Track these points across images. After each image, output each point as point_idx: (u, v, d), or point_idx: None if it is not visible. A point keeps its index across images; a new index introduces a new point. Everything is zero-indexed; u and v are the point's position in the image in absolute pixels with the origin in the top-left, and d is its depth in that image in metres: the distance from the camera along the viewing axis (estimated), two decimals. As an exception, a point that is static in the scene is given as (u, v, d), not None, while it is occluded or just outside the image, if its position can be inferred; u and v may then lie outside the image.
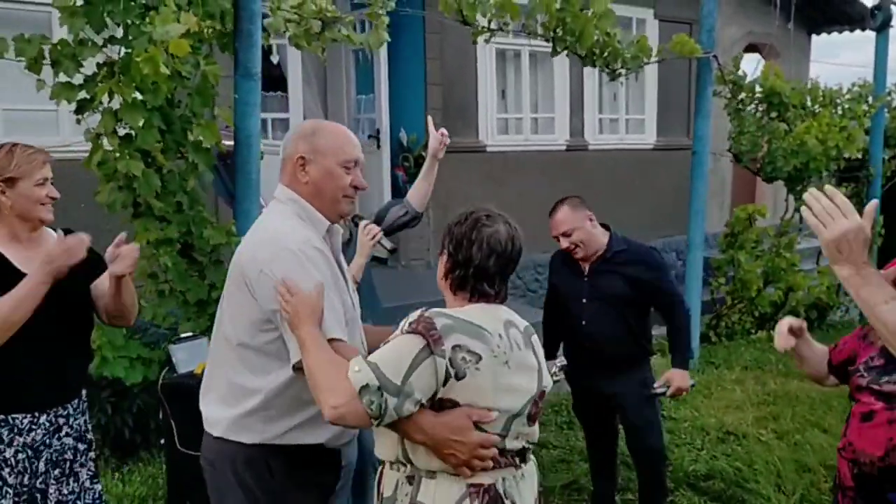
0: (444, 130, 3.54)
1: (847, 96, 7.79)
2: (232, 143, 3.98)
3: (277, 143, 6.64)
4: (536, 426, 1.97)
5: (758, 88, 6.89)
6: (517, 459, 1.92)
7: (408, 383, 1.74)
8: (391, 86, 7.32)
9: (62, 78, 3.46)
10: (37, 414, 2.42)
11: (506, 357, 1.83)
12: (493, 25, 4.91)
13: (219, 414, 2.14)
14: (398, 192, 7.53)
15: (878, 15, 8.13)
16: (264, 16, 4.21)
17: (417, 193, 3.56)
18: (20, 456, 2.40)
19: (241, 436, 2.09)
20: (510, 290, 2.01)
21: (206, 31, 3.68)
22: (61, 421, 2.49)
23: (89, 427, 2.63)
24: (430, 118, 3.77)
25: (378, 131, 7.38)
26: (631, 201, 9.03)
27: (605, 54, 5.47)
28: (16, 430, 2.39)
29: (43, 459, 2.45)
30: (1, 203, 2.39)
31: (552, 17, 5.07)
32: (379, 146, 7.40)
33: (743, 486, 4.27)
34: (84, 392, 2.62)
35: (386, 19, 4.53)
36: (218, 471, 2.15)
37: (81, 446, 2.57)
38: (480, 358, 1.78)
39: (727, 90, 6.68)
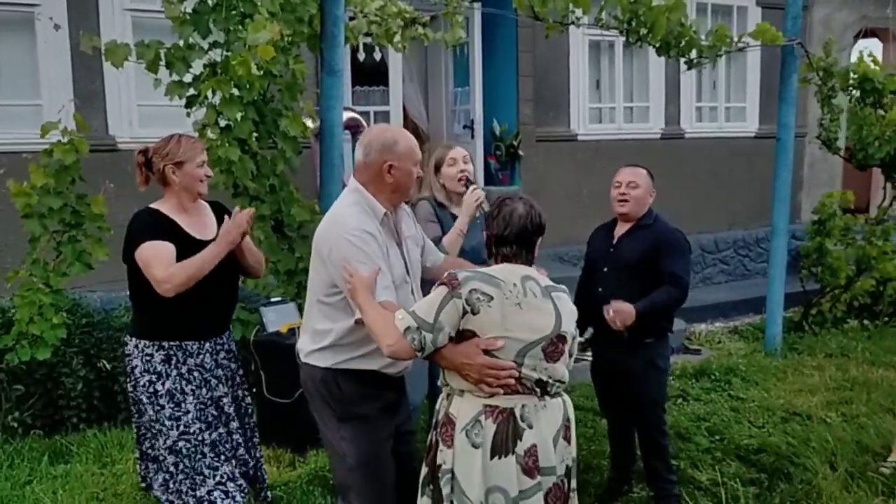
0: (479, 193, 3.61)
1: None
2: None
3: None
4: (561, 366, 2.47)
5: (852, 75, 6.78)
6: (538, 390, 2.42)
7: (438, 321, 2.35)
8: (485, 78, 7.73)
9: (175, 77, 4.09)
10: (202, 341, 3.21)
11: (517, 300, 2.37)
12: (565, 20, 5.21)
13: (305, 346, 2.83)
14: (490, 179, 7.95)
15: None
16: (351, 18, 4.74)
17: (451, 244, 3.57)
18: (194, 374, 3.19)
19: (319, 361, 2.76)
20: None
21: (294, 34, 4.23)
22: (219, 347, 3.30)
23: (237, 354, 3.46)
24: (472, 189, 3.64)
25: (472, 122, 7.80)
26: (731, 190, 9.03)
27: (681, 44, 5.64)
28: (187, 353, 3.17)
29: (217, 375, 3.26)
30: (172, 181, 3.14)
31: (625, 10, 5.31)
32: (473, 136, 7.83)
33: (793, 461, 4.41)
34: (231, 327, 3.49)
35: (460, 18, 4.93)
36: (307, 386, 2.85)
37: (234, 365, 3.40)
38: (492, 298, 2.35)
39: (817, 77, 6.62)
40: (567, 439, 2.52)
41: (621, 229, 3.78)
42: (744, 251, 9.24)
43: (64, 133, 3.91)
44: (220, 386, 3.28)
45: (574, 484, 2.58)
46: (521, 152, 7.77)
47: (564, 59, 7.94)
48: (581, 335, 3.81)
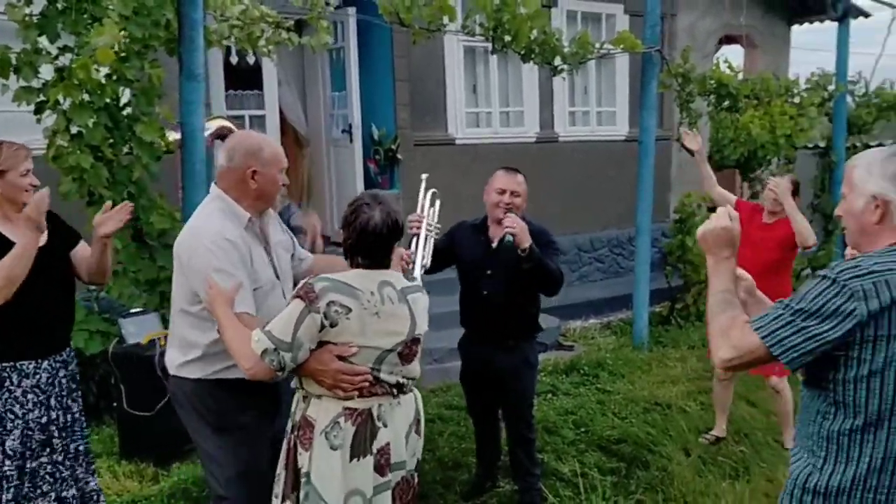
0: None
1: (805, 86, 8.07)
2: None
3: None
4: (415, 366, 2.55)
5: (709, 81, 7.19)
6: (394, 390, 2.49)
7: (297, 338, 2.34)
8: (362, 83, 7.74)
9: (23, 83, 3.92)
10: (40, 360, 3.02)
11: (375, 309, 2.41)
12: (431, 27, 5.29)
13: (174, 359, 2.79)
14: (370, 183, 7.97)
15: (838, 5, 8.40)
16: (224, 19, 4.68)
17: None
18: (29, 396, 2.98)
19: (190, 373, 2.73)
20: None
21: (150, 37, 4.13)
22: (58, 365, 3.10)
23: (77, 373, 3.27)
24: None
25: (351, 126, 7.80)
26: (604, 191, 9.36)
27: (545, 51, 5.83)
28: (23, 374, 2.98)
29: (52, 397, 3.05)
30: None
31: (489, 17, 5.44)
32: (352, 140, 7.83)
33: (651, 449, 4.65)
34: (71, 343, 3.25)
35: (325, 23, 4.93)
36: (178, 399, 2.81)
37: (73, 385, 3.20)
38: (351, 310, 2.37)
39: (676, 83, 6.98)
40: (418, 433, 2.61)
41: (498, 231, 3.79)
42: (618, 249, 9.61)
43: None
44: (53, 409, 3.09)
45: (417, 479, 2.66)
46: (399, 156, 7.83)
47: (440, 65, 8.05)
48: None
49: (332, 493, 2.37)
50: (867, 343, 1.77)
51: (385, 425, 2.45)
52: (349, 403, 2.41)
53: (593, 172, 9.23)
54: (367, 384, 2.41)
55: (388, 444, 2.45)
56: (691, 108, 7.11)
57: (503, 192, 3.72)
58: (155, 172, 4.30)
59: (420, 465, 2.66)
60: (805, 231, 4.42)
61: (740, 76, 7.47)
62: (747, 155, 7.05)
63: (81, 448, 3.23)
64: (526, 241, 3.47)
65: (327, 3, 4.92)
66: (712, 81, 7.17)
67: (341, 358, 2.39)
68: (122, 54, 3.97)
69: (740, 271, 2.20)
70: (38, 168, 4.18)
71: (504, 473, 4.21)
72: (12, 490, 2.96)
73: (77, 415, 3.22)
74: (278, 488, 2.54)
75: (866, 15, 10.62)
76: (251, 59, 6.09)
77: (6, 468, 2.95)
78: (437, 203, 3.75)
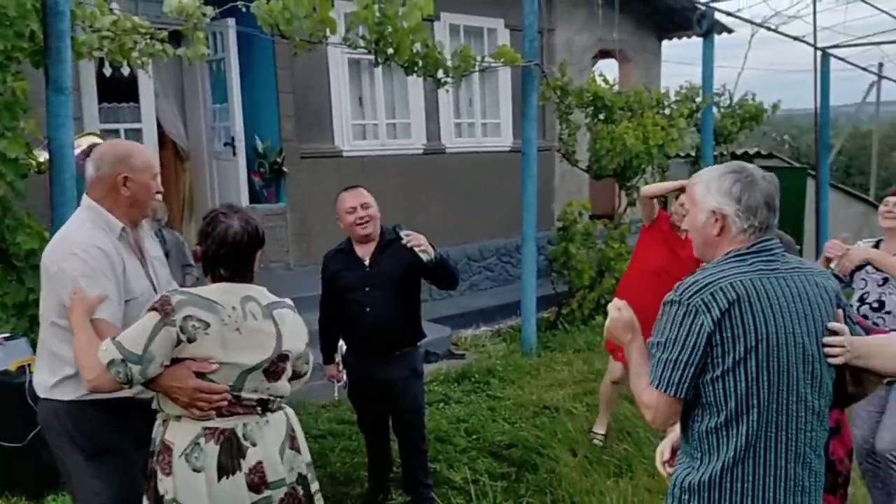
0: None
1: (674, 98, 8.50)
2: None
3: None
4: (283, 383, 2.46)
5: (586, 94, 7.47)
6: (259, 409, 2.39)
7: (148, 351, 2.22)
8: (244, 95, 7.61)
9: None
10: None
11: (237, 325, 2.31)
12: (312, 39, 5.25)
13: (44, 380, 2.62)
14: (255, 196, 7.83)
15: (703, 22, 8.90)
16: (94, 30, 4.49)
17: None
18: None
19: (62, 394, 2.57)
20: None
21: (13, 49, 3.92)
22: None
23: None
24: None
25: (233, 139, 7.64)
26: (491, 201, 9.53)
27: (427, 64, 5.90)
28: None
29: None
30: None
31: (371, 30, 5.46)
32: (235, 153, 7.67)
33: (540, 452, 4.76)
34: None
35: (201, 34, 4.81)
36: (49, 424, 2.63)
37: None
38: (209, 325, 2.27)
39: (555, 96, 7.21)
40: (295, 448, 2.52)
41: (367, 250, 3.82)
42: (506, 258, 9.81)
43: None
44: None
45: (315, 487, 2.57)
46: (285, 169, 7.72)
47: (325, 76, 8.00)
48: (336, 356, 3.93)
49: None
50: (717, 347, 1.92)
51: (254, 444, 2.36)
52: (209, 423, 2.32)
53: (480, 183, 9.40)
54: (225, 403, 2.32)
55: (259, 462, 2.36)
56: (570, 120, 7.35)
57: (353, 209, 3.75)
58: (21, 190, 4.09)
59: (306, 478, 2.54)
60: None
61: (615, 89, 7.78)
62: (623, 164, 7.34)
63: None
64: (431, 250, 3.58)
65: (204, 15, 4.80)
66: (589, 94, 7.46)
67: (199, 375, 2.30)
68: (-19, 66, 3.78)
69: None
70: None
71: (397, 486, 4.20)
72: None
73: None
74: None
75: (729, 31, 11.32)
76: (126, 71, 5.88)
77: None
78: (344, 348, 4.00)
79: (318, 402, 5.50)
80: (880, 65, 16.03)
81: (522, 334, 7.19)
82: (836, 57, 11.05)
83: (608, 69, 12.51)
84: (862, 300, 3.74)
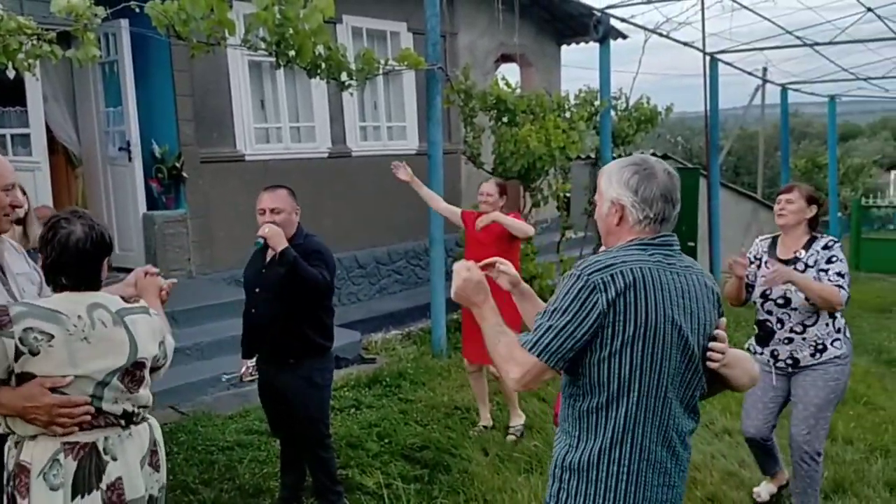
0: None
1: (574, 102, 8.71)
2: None
3: (19, 159, 6.49)
4: (144, 392, 2.37)
5: (489, 97, 7.56)
6: (122, 421, 2.30)
7: None
8: (140, 98, 7.34)
9: None
10: None
11: (84, 334, 2.22)
12: (210, 40, 5.11)
13: None
14: (153, 203, 7.57)
15: (599, 28, 9.17)
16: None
17: None
18: None
19: None
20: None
21: None
22: None
23: None
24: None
25: (129, 143, 7.35)
26: (399, 204, 9.48)
27: (329, 67, 5.84)
28: None
29: None
30: None
31: (271, 32, 5.36)
32: (130, 158, 7.39)
33: (452, 453, 4.78)
34: None
35: (92, 35, 4.62)
36: None
37: None
38: (53, 337, 2.17)
39: (459, 99, 7.27)
40: (154, 465, 2.44)
41: (272, 252, 3.77)
42: (415, 261, 9.82)
43: None
44: None
45: None
46: (185, 174, 7.48)
47: (225, 79, 7.80)
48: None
49: None
50: (607, 328, 1.97)
51: (115, 458, 2.28)
52: (69, 438, 2.22)
53: (387, 186, 9.29)
54: (88, 417, 2.23)
55: (119, 478, 2.27)
56: (475, 123, 7.42)
57: (263, 211, 3.74)
58: None
59: (158, 501, 2.46)
60: (516, 227, 4.94)
61: (517, 93, 7.91)
62: (527, 166, 7.46)
63: None
64: (279, 245, 3.54)
65: (95, 15, 4.61)
66: (492, 98, 7.55)
67: (53, 390, 2.18)
68: None
69: (504, 264, 2.43)
70: None
71: (309, 494, 4.14)
72: None
73: None
74: None
75: (624, 37, 11.69)
76: (12, 74, 5.57)
77: None
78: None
79: (224, 413, 5.36)
80: (764, 69, 16.90)
81: (432, 336, 7.22)
82: (723, 62, 11.59)
83: (510, 73, 12.79)
84: (765, 296, 3.90)
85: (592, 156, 9.62)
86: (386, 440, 5.00)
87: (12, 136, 7.05)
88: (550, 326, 1.99)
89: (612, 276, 1.97)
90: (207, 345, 6.26)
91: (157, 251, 7.36)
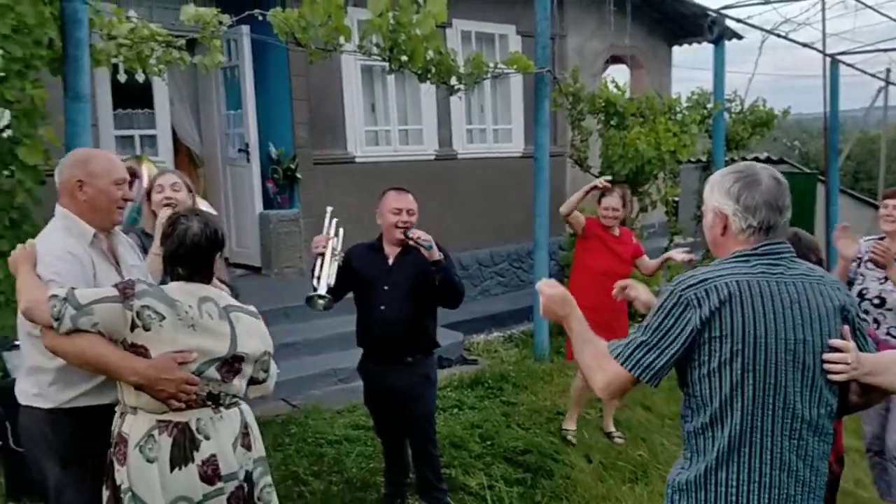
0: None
1: (686, 104, 8.50)
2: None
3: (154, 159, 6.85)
4: (237, 382, 2.54)
5: (598, 100, 7.48)
6: (210, 403, 2.49)
7: (90, 307, 2.33)
8: (259, 102, 7.65)
9: None
10: None
11: (192, 322, 2.43)
12: (328, 47, 5.28)
13: (26, 389, 2.67)
14: (269, 202, 7.87)
15: (713, 28, 8.91)
16: (112, 37, 4.53)
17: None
18: None
19: (43, 402, 2.61)
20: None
21: (32, 57, 3.96)
22: None
23: None
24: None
25: (247, 145, 7.68)
26: (503, 207, 9.55)
27: (440, 71, 5.92)
28: None
29: None
30: None
31: (385, 38, 5.49)
32: (249, 160, 7.71)
33: (554, 458, 4.76)
34: None
35: (218, 42, 4.85)
36: (29, 432, 2.67)
37: None
38: (164, 318, 2.39)
39: (567, 102, 7.22)
40: (246, 446, 2.59)
41: (394, 250, 3.86)
42: (517, 263, 9.82)
43: None
44: None
45: (264, 482, 2.64)
46: (298, 175, 7.76)
47: (338, 83, 8.04)
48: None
49: (155, 502, 2.39)
50: (704, 345, 1.93)
51: (207, 438, 2.46)
52: (163, 416, 2.42)
53: (492, 188, 9.41)
54: (195, 396, 2.42)
55: (213, 455, 2.45)
56: (582, 126, 7.35)
57: (399, 211, 3.79)
58: (39, 197, 4.11)
59: (251, 475, 2.60)
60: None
61: (627, 95, 7.79)
62: (635, 170, 7.35)
63: None
64: (437, 253, 3.61)
65: (220, 23, 4.84)
66: (601, 100, 7.46)
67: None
68: (2, 74, 3.81)
69: (635, 289, 2.51)
70: None
71: (413, 491, 4.21)
72: None
73: None
74: None
75: (739, 37, 11.31)
76: (141, 78, 5.93)
77: None
78: (341, 232, 3.81)
79: (333, 407, 5.52)
80: (888, 70, 16.03)
81: (535, 339, 7.19)
82: (844, 63, 11.04)
83: (620, 75, 12.58)
84: (861, 296, 3.78)
85: (704, 159, 9.35)
86: (488, 442, 5.02)
87: (140, 136, 7.49)
88: (643, 342, 1.98)
89: (706, 291, 1.93)
90: (317, 340, 6.46)
91: (272, 249, 7.66)
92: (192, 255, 2.48)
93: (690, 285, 1.95)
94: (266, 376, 2.68)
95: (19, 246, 2.62)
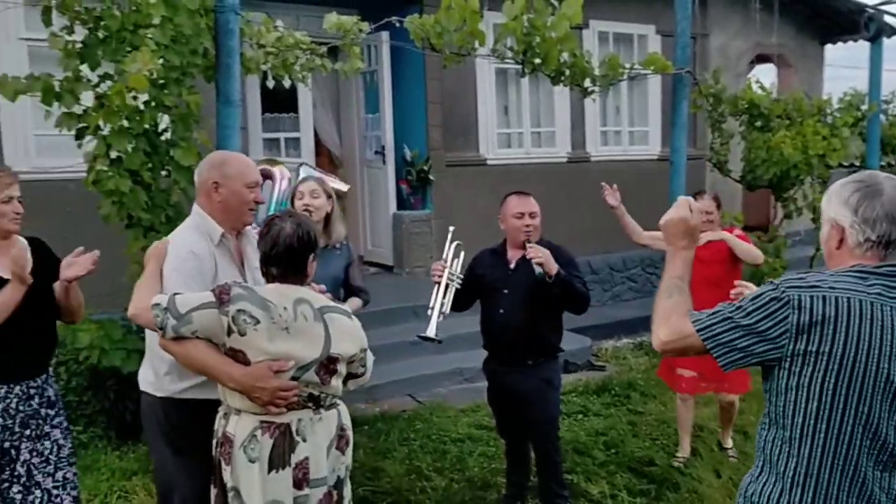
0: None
1: (837, 105, 8.00)
2: None
3: (290, 160, 7.25)
4: (335, 382, 2.57)
5: (741, 101, 7.18)
6: (311, 404, 2.53)
7: (190, 316, 2.41)
8: (395, 105, 7.87)
9: (64, 109, 4.07)
10: (11, 385, 2.96)
11: (286, 324, 2.45)
12: (462, 51, 5.36)
13: (145, 376, 2.88)
14: (402, 203, 8.08)
15: (870, 25, 8.33)
16: (261, 46, 4.82)
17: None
18: None
19: (157, 391, 2.81)
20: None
21: (188, 65, 4.26)
22: (32, 391, 3.03)
23: (59, 396, 3.20)
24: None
25: (384, 147, 7.92)
26: (637, 210, 9.28)
27: (574, 74, 5.87)
28: None
29: (17, 422, 2.98)
30: None
31: (519, 41, 5.50)
32: (384, 161, 7.94)
33: (681, 471, 4.62)
34: (51, 368, 3.21)
35: (357, 49, 5.03)
36: (147, 416, 2.88)
37: (52, 411, 3.11)
38: (259, 322, 2.42)
39: (707, 103, 6.97)
40: (341, 449, 2.62)
41: (516, 254, 3.89)
42: (651, 269, 9.57)
43: (-54, 168, 3.84)
44: (26, 438, 3.01)
45: (346, 492, 2.67)
46: (431, 177, 7.92)
47: (472, 87, 8.14)
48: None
49: (254, 502, 2.44)
50: (797, 356, 1.79)
51: (304, 440, 2.49)
52: (265, 417, 2.47)
53: (625, 192, 9.12)
54: (296, 399, 2.47)
55: (306, 458, 2.49)
56: (723, 129, 7.08)
57: (521, 215, 3.82)
58: (193, 196, 4.41)
59: (342, 482, 2.65)
60: (746, 253, 4.74)
61: (773, 96, 7.42)
62: (780, 175, 6.99)
63: (69, 476, 3.15)
64: (553, 267, 3.57)
65: (360, 31, 5.03)
66: (744, 102, 7.16)
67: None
68: (161, 81, 4.12)
69: (746, 287, 2.37)
70: (79, 191, 4.41)
71: (534, 494, 4.21)
72: None
73: (62, 441, 3.14)
74: None
75: (901, 33, 10.50)
76: (287, 83, 6.25)
77: None
78: (462, 255, 3.89)
79: (457, 406, 5.60)
80: None
81: (666, 348, 6.98)
82: None
83: (766, 74, 12.00)
84: None
85: (857, 164, 8.76)
86: (613, 450, 4.94)
87: (285, 139, 7.89)
88: (729, 318, 1.85)
89: (811, 297, 1.77)
90: (444, 339, 6.56)
91: (404, 249, 7.86)
92: (285, 255, 2.52)
93: (797, 286, 1.81)
94: (364, 370, 2.71)
95: (156, 242, 2.83)
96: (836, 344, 1.76)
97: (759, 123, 7.26)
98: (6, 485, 3.00)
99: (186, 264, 2.68)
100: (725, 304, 1.91)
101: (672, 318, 1.95)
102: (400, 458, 4.75)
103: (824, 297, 1.78)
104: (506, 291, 3.85)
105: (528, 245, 3.67)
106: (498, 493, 4.31)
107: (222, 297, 2.43)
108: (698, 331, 1.88)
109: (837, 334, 1.76)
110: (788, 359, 1.81)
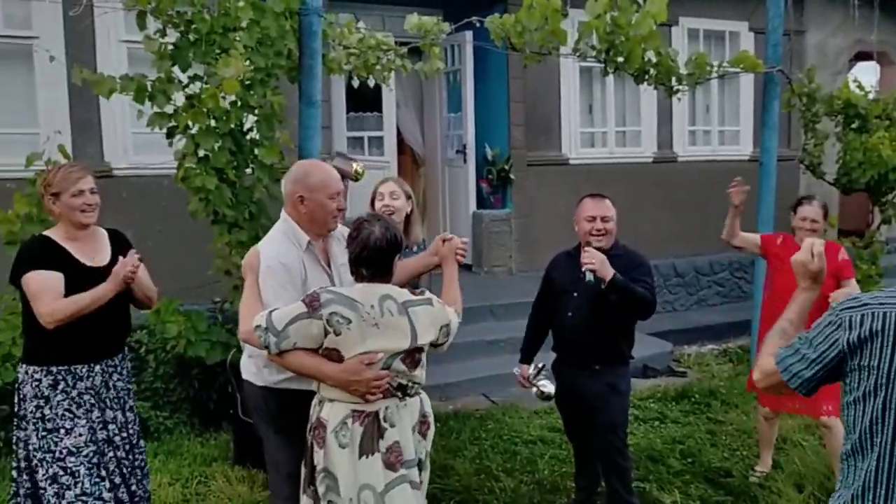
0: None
1: (946, 105, 7.54)
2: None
3: (373, 158, 7.36)
4: (419, 371, 2.76)
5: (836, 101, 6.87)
6: (399, 392, 2.71)
7: (286, 331, 2.59)
8: (477, 104, 7.89)
9: (156, 109, 4.26)
10: (92, 364, 3.25)
11: (374, 321, 2.62)
12: (542, 51, 5.33)
13: (245, 365, 3.11)
14: (482, 201, 8.09)
15: None
16: (344, 47, 4.93)
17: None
18: (85, 397, 3.23)
19: (257, 379, 3.04)
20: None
21: (273, 66, 4.40)
22: (111, 369, 3.33)
23: (131, 375, 3.53)
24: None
25: (465, 146, 7.95)
26: (725, 212, 9.03)
27: (657, 73, 5.74)
28: (77, 377, 3.20)
29: (108, 398, 3.31)
30: (52, 210, 3.23)
31: (602, 40, 5.43)
32: (465, 160, 7.97)
33: (761, 484, 4.47)
34: (126, 349, 3.50)
35: (437, 49, 5.07)
36: (250, 403, 3.16)
37: (128, 387, 3.44)
38: (351, 321, 2.60)
39: (801, 103, 6.70)
40: (422, 433, 2.79)
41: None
42: (739, 273, 9.27)
43: (48, 163, 4.08)
44: (110, 409, 3.31)
45: (424, 477, 2.83)
46: (512, 176, 7.89)
47: (555, 85, 8.07)
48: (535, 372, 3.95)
49: (346, 488, 2.61)
50: (854, 372, 1.84)
51: (392, 426, 2.66)
52: (356, 406, 2.64)
53: (714, 193, 8.89)
54: (388, 386, 2.63)
55: (396, 442, 2.65)
56: (817, 129, 6.79)
57: (593, 218, 3.76)
58: (275, 193, 4.55)
59: (422, 463, 2.80)
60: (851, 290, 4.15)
61: (871, 95, 7.05)
62: (878, 178, 6.65)
63: (134, 450, 3.42)
64: (608, 273, 3.51)
65: (441, 31, 5.07)
66: (839, 101, 6.84)
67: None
68: (247, 83, 4.26)
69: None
70: (172, 187, 4.60)
71: (603, 499, 4.15)
72: (80, 485, 3.14)
73: (130, 416, 3.42)
74: (303, 484, 2.80)
75: None
76: (371, 83, 6.35)
77: (71, 464, 3.14)
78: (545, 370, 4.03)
79: (530, 407, 5.58)
80: None
81: (751, 356, 6.76)
82: None
83: (866, 73, 11.41)
84: None
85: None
86: (689, 459, 4.82)
87: (369, 137, 8.02)
88: (797, 350, 1.94)
89: (861, 315, 1.82)
90: (521, 340, 6.53)
91: (483, 248, 7.87)
92: (374, 257, 2.68)
93: (850, 307, 1.87)
94: (447, 339, 2.83)
95: (251, 251, 3.01)
96: (883, 357, 1.80)
97: (855, 124, 6.92)
98: (103, 445, 3.27)
99: (277, 276, 2.84)
100: (799, 336, 1.99)
101: (763, 358, 2.05)
102: (470, 457, 4.77)
103: (873, 314, 1.82)
104: (575, 294, 3.82)
105: (584, 250, 3.63)
106: (567, 497, 4.28)
107: (313, 304, 2.60)
108: (776, 363, 1.97)
109: (885, 348, 1.79)
110: (847, 375, 1.87)
